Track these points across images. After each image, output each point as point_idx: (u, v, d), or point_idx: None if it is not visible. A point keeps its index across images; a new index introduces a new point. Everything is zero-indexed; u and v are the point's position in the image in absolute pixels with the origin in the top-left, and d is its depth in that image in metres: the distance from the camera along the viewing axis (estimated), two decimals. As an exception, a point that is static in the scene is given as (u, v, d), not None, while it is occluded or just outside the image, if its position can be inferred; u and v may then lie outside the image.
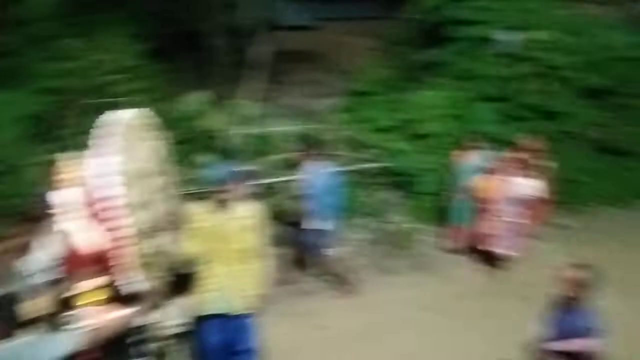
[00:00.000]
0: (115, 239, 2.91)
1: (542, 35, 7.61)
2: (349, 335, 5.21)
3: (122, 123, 3.02)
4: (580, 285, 3.44)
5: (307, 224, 5.67)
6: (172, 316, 3.63)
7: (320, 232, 5.62)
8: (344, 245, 6.65)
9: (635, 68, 7.85)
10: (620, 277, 6.21)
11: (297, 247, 6.01)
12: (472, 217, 6.41)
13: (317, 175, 5.51)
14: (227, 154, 6.31)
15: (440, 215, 7.00)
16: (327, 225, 5.59)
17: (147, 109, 3.46)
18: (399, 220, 7.13)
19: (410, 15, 9.65)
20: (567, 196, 7.64)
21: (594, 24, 8.03)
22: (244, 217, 3.82)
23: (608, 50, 7.73)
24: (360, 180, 7.35)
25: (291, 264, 6.12)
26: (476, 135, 6.48)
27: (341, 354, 4.99)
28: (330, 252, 5.78)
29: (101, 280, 2.95)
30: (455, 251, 6.69)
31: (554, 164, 6.40)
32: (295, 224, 5.92)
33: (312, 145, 5.79)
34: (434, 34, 8.51)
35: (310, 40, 14.28)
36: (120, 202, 2.88)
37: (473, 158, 6.35)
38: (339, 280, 5.94)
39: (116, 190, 2.87)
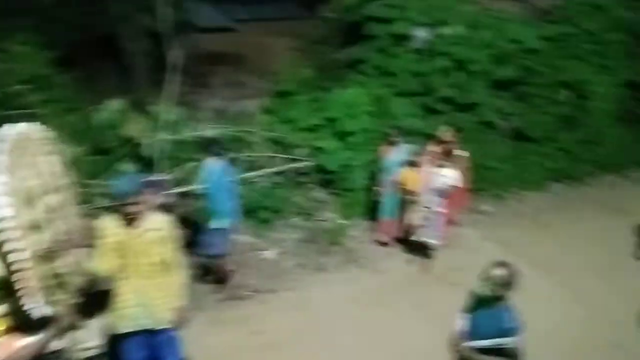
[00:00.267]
0: (10, 264, 2.71)
1: (454, 30, 7.92)
2: (286, 337, 5.19)
3: (7, 139, 2.80)
4: (502, 284, 3.45)
5: (204, 224, 5.55)
6: (89, 337, 3.44)
7: (217, 232, 5.48)
8: (276, 247, 6.66)
9: (539, 59, 8.35)
10: (536, 256, 6.65)
11: (196, 249, 5.78)
12: (399, 210, 6.57)
13: (213, 174, 5.35)
14: (147, 162, 6.09)
15: (370, 210, 7.13)
16: (223, 224, 5.44)
17: (40, 123, 3.24)
18: (330, 218, 7.19)
19: (329, 14, 9.77)
20: (485, 183, 8.05)
21: (502, 18, 8.44)
22: (155, 230, 3.66)
23: (515, 44, 8.16)
24: (289, 180, 7.36)
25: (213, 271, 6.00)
26: (398, 130, 6.63)
27: (279, 357, 4.96)
28: (224, 251, 5.65)
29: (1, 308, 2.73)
30: (386, 244, 6.83)
31: (467, 154, 6.64)
32: (195, 225, 5.79)
33: (212, 144, 5.61)
34: (353, 32, 8.65)
35: (231, 42, 14.08)
36: (10, 224, 2.67)
37: (396, 153, 6.50)
38: (223, 281, 5.82)
39: (3, 212, 2.66)
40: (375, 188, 6.84)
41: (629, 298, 5.73)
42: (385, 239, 6.82)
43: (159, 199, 4.07)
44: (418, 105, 8.04)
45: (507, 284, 3.45)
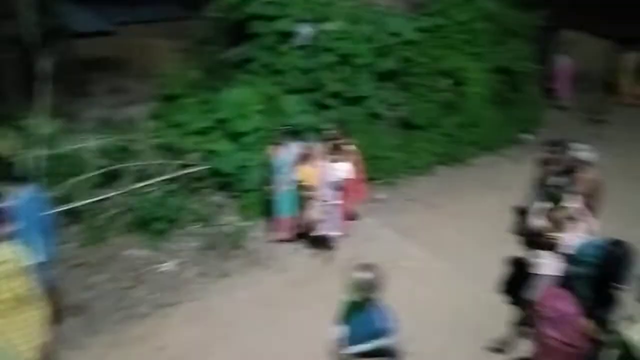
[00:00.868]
0: None
1: (336, 26, 8.10)
2: (192, 348, 5.04)
3: None
4: (368, 287, 3.46)
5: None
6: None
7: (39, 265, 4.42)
8: (174, 258, 6.43)
9: (418, 50, 8.78)
10: (430, 237, 7.02)
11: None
12: (298, 206, 6.61)
13: (19, 202, 4.46)
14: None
15: (268, 210, 7.10)
16: (40, 257, 4.45)
17: None
18: (230, 221, 7.08)
19: (213, 13, 9.57)
20: (378, 172, 8.35)
21: (380, 13, 8.77)
22: (3, 262, 3.34)
23: (394, 36, 8.51)
24: (183, 187, 7.14)
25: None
26: (285, 130, 6.62)
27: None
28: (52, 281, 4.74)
29: None
30: (287, 242, 6.84)
31: (355, 147, 6.74)
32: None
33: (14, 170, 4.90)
34: (238, 31, 8.55)
35: (111, 46, 13.39)
36: None
37: (285, 152, 6.49)
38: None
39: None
40: (268, 187, 6.81)
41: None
42: (284, 236, 6.81)
43: (7, 227, 3.63)
44: (308, 101, 8.14)
45: (372, 286, 3.47)
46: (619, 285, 4.12)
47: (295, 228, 6.79)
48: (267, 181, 6.85)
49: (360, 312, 3.55)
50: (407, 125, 8.94)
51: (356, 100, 8.38)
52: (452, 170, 9.20)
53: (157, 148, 7.20)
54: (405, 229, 7.27)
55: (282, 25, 8.20)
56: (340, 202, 6.39)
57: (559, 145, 5.88)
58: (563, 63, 12.13)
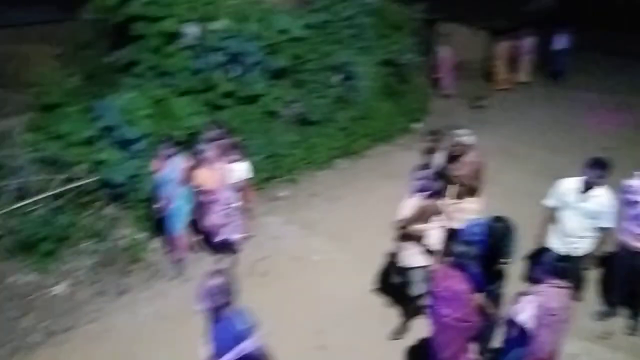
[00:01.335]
0: None
1: (223, 25, 7.96)
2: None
3: None
4: (219, 292, 3.32)
5: None
6: None
7: None
8: (67, 279, 6.01)
9: (307, 47, 8.87)
10: (333, 230, 7.17)
11: None
12: (196, 213, 6.42)
13: None
14: None
15: (158, 227, 6.82)
16: None
17: None
18: (126, 234, 6.74)
19: (92, 15, 9.00)
20: (278, 170, 8.39)
21: (267, 10, 8.74)
22: None
23: (283, 34, 8.52)
24: (71, 202, 6.68)
25: None
26: (169, 142, 6.16)
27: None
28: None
29: None
30: (189, 250, 6.65)
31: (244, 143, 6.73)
32: None
33: None
34: (120, 34, 8.11)
35: (-23, 54, 12.11)
36: None
37: (171, 165, 6.03)
38: None
39: None
40: (156, 205, 6.26)
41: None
42: (180, 255, 6.38)
43: None
44: (201, 102, 7.93)
45: (224, 291, 3.35)
46: (505, 260, 4.47)
47: (190, 244, 6.57)
48: (154, 198, 6.37)
49: (219, 321, 3.39)
50: (303, 121, 9.01)
51: (250, 99, 8.31)
52: (350, 163, 9.44)
53: (38, 162, 6.65)
54: (309, 223, 7.37)
55: (166, 25, 7.89)
56: (242, 203, 6.31)
57: (438, 133, 6.23)
58: (444, 54, 12.87)
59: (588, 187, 4.88)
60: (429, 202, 4.77)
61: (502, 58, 13.65)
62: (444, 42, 12.92)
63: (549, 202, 5.21)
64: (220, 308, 3.34)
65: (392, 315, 5.44)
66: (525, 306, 3.65)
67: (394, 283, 5.34)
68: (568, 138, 10.20)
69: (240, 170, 6.22)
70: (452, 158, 5.88)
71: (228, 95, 8.09)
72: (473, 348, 4.38)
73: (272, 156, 8.37)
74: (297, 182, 8.58)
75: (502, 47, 13.57)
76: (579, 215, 4.95)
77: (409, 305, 5.28)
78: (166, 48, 7.97)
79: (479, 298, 4.20)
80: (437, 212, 4.87)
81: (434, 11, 13.19)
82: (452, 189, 5.94)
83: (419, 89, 11.88)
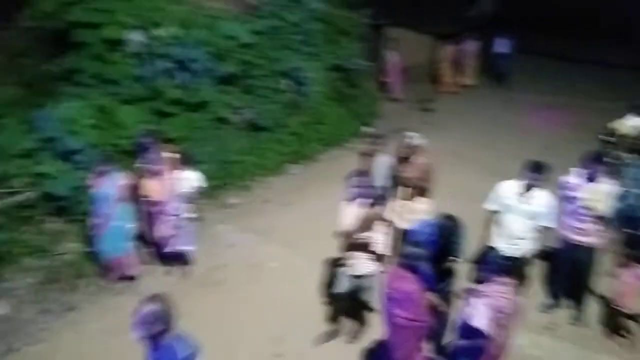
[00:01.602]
0: None
1: (169, 31, 7.80)
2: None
3: None
4: (154, 320, 3.07)
5: None
6: None
7: None
8: (7, 299, 5.71)
9: (256, 53, 8.82)
10: (285, 235, 7.12)
11: None
12: (145, 224, 6.25)
13: None
14: None
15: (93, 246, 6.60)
16: None
17: None
18: (71, 248, 6.48)
19: (28, 22, 8.64)
20: (230, 177, 8.29)
21: (214, 16, 8.64)
22: None
23: (230, 40, 8.45)
24: (11, 217, 6.37)
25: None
26: (104, 159, 5.90)
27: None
28: None
29: None
30: (138, 267, 6.43)
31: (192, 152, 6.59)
32: None
33: None
34: (61, 41, 7.81)
35: None
36: None
37: (108, 182, 5.72)
38: None
39: None
40: (92, 224, 5.94)
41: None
42: (113, 278, 6.06)
43: None
44: (148, 110, 7.75)
45: (161, 318, 3.08)
46: (454, 258, 4.58)
47: (146, 247, 6.42)
48: (91, 215, 5.99)
49: (157, 349, 3.14)
50: (254, 127, 8.95)
51: (199, 106, 8.17)
52: (302, 168, 9.43)
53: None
54: (263, 230, 7.31)
55: (109, 32, 7.66)
56: (192, 214, 6.18)
57: (377, 137, 6.31)
58: (392, 58, 13.10)
59: (528, 189, 5.01)
60: (371, 209, 4.76)
61: (448, 62, 14.03)
62: (392, 47, 13.15)
63: (491, 205, 5.29)
64: (158, 335, 3.09)
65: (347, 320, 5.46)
66: (479, 310, 3.71)
67: (339, 293, 5.20)
68: (512, 138, 10.56)
69: (191, 179, 6.09)
70: (402, 160, 5.99)
71: (175, 102, 7.93)
72: (427, 347, 4.46)
73: (223, 163, 8.26)
74: (250, 189, 8.51)
75: (447, 51, 13.96)
76: (521, 216, 5.06)
77: (358, 313, 5.30)
78: (109, 55, 7.74)
79: (430, 297, 4.27)
80: (380, 218, 4.89)
81: (380, 17, 13.44)
82: (403, 191, 6.05)
83: (369, 93, 12.04)
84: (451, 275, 4.71)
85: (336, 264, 5.25)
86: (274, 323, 5.53)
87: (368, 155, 6.20)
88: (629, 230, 6.10)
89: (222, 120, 8.53)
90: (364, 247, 4.80)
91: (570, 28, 17.98)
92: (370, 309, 5.28)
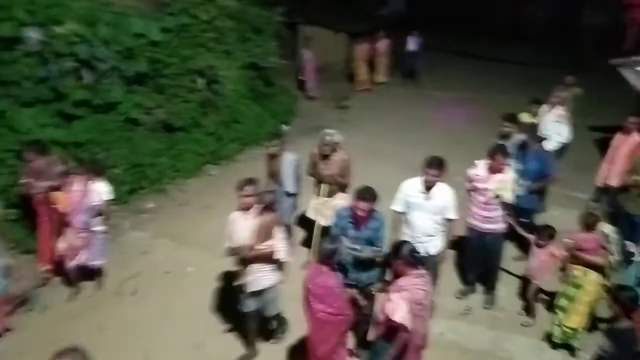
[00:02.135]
0: None
1: (70, 29, 7.34)
2: None
3: None
4: None
5: None
6: None
7: None
8: None
9: (167, 51, 8.54)
10: (204, 240, 6.94)
11: None
12: (55, 237, 5.82)
13: None
14: None
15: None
16: None
17: None
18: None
19: None
20: (144, 180, 7.97)
21: (121, 13, 8.24)
22: None
23: (139, 38, 8.11)
24: None
25: None
26: None
27: None
28: None
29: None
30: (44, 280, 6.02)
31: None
32: None
33: None
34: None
35: None
36: None
37: None
38: None
39: None
40: None
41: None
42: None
43: None
44: (51, 113, 7.25)
45: None
46: (377, 251, 4.67)
47: (51, 261, 5.96)
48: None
49: None
50: (168, 128, 8.65)
51: (107, 107, 7.78)
52: (220, 169, 9.24)
53: None
54: (180, 235, 7.10)
55: (5, 29, 7.08)
56: (102, 227, 5.78)
57: (284, 137, 6.27)
58: (307, 56, 13.16)
59: (429, 185, 5.04)
60: (267, 215, 4.55)
61: (361, 60, 14.32)
62: (307, 45, 13.22)
63: (397, 207, 5.23)
64: None
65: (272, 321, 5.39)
66: (398, 304, 3.80)
67: (245, 313, 4.85)
68: (425, 133, 10.97)
69: (99, 191, 5.64)
70: (321, 157, 6.03)
71: (82, 104, 7.49)
72: (350, 341, 4.53)
73: (136, 166, 7.92)
74: (166, 192, 8.21)
75: (361, 49, 14.24)
76: (426, 213, 5.08)
77: (262, 327, 5.09)
78: (5, 54, 7.16)
79: (351, 292, 4.35)
80: (277, 223, 4.68)
81: (295, 15, 13.47)
82: (323, 188, 6.11)
83: (286, 92, 12.06)
84: (374, 267, 4.81)
85: (235, 282, 4.79)
86: (194, 329, 5.38)
87: (274, 156, 6.15)
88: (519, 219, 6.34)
89: (133, 122, 8.17)
90: (264, 258, 4.54)
91: (476, 27, 19.04)
92: (280, 321, 5.20)
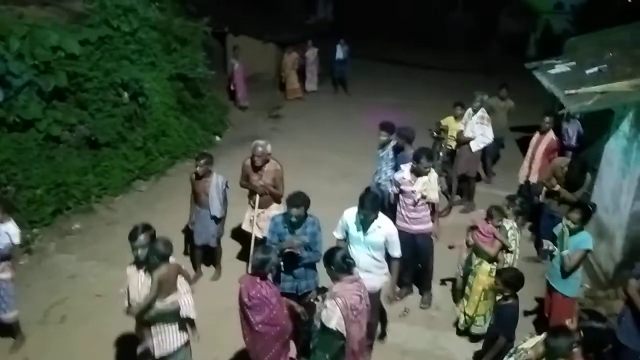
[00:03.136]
0: None
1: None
2: None
3: None
4: None
5: None
6: None
7: None
8: None
9: (87, 64, 8.19)
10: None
11: None
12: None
13: None
14: None
15: None
16: None
17: None
18: None
19: None
20: (68, 200, 7.59)
21: (35, 26, 7.81)
22: None
23: (55, 51, 7.73)
24: None
25: None
26: None
27: None
28: None
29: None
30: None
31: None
32: None
33: None
34: None
35: None
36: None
37: None
38: None
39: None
40: None
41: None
42: None
43: None
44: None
45: None
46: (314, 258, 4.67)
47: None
48: None
49: None
50: (92, 144, 8.28)
51: (24, 125, 7.37)
52: (150, 184, 8.95)
53: None
54: (110, 255, 6.77)
55: None
56: (8, 275, 4.94)
57: (206, 156, 6.00)
58: (237, 66, 13.05)
59: (366, 221, 4.63)
60: (166, 268, 3.94)
61: (291, 69, 14.38)
62: (236, 55, 13.11)
63: (337, 233, 4.94)
64: None
65: (220, 337, 5.24)
66: (333, 311, 3.80)
67: None
68: (356, 140, 11.09)
69: (7, 232, 4.85)
70: (254, 168, 5.96)
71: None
72: (290, 351, 4.49)
73: (60, 186, 7.53)
74: (94, 211, 7.84)
75: (290, 59, 14.30)
76: (363, 248, 4.71)
77: None
78: None
79: (289, 301, 4.32)
80: (181, 272, 4.10)
81: (223, 25, 13.33)
82: (256, 198, 6.04)
83: (216, 102, 11.89)
84: (312, 275, 4.81)
85: (138, 349, 4.21)
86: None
87: (201, 177, 5.92)
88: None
89: (54, 139, 7.77)
90: (168, 317, 3.98)
91: (402, 35, 19.67)
92: None
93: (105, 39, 8.56)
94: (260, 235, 5.99)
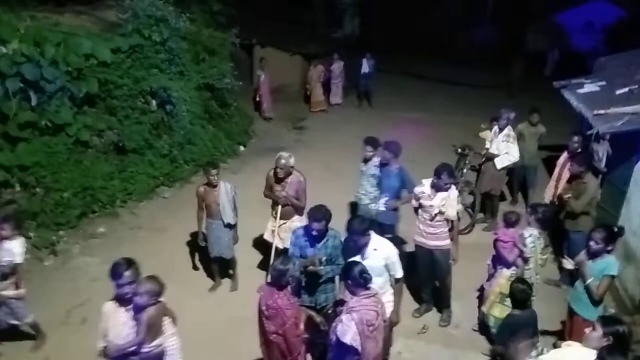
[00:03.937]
0: None
1: (16, 49, 7.10)
2: None
3: None
4: None
5: None
6: None
7: None
8: None
9: (118, 72, 8.39)
10: (161, 264, 6.73)
11: None
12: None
13: None
14: None
15: None
16: None
17: None
18: None
19: None
20: (95, 204, 7.72)
21: (70, 33, 8.06)
22: None
23: (90, 58, 7.94)
24: None
25: None
26: None
27: None
28: None
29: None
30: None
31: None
32: None
33: None
34: None
35: None
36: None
37: None
38: None
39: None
40: None
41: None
42: None
43: None
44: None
45: None
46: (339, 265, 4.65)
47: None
48: None
49: None
50: (120, 150, 8.46)
51: (55, 130, 7.55)
52: (174, 191, 9.06)
53: None
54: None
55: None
56: (13, 292, 4.95)
57: (216, 166, 6.10)
58: (263, 78, 13.19)
59: (361, 246, 4.47)
60: (153, 309, 3.69)
61: (316, 81, 14.47)
62: (262, 67, 13.26)
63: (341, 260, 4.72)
64: None
65: (239, 345, 5.25)
66: (349, 326, 3.78)
67: None
68: (379, 153, 11.12)
69: (12, 251, 4.86)
70: (277, 180, 6.00)
71: (28, 126, 7.24)
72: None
73: (86, 189, 7.69)
74: (118, 216, 7.97)
75: (316, 71, 14.39)
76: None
77: None
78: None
79: (308, 312, 4.31)
80: (166, 313, 3.87)
81: (250, 36, 13.52)
82: (278, 209, 6.06)
83: (242, 113, 12.03)
84: (331, 289, 4.80)
85: None
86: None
87: (214, 186, 6.02)
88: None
89: (83, 144, 7.95)
90: None
91: (425, 49, 19.62)
92: None
93: (136, 48, 8.75)
94: (281, 246, 6.01)
